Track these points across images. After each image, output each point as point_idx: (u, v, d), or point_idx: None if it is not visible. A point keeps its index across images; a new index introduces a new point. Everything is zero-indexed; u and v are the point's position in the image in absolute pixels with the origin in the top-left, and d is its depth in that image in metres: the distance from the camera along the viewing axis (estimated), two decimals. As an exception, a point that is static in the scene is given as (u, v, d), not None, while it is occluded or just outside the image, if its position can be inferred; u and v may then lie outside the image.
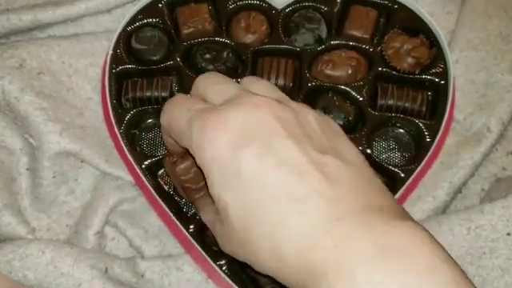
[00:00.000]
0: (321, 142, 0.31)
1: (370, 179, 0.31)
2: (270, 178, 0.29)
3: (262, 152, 0.29)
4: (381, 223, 0.28)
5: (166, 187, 0.43)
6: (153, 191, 0.41)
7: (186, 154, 0.38)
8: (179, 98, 0.36)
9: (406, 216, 0.29)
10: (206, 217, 0.38)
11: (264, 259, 0.30)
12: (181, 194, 0.41)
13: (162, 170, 0.43)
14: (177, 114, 0.34)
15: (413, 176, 0.42)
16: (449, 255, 0.27)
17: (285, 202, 0.28)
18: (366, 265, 0.26)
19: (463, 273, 0.27)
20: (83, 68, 0.46)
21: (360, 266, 0.26)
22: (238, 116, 0.31)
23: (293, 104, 0.33)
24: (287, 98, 0.35)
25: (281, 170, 0.29)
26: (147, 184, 0.41)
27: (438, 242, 0.28)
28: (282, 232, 0.28)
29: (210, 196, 0.34)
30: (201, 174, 0.35)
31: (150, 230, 0.42)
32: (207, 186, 0.32)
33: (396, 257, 0.26)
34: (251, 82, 0.36)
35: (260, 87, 0.35)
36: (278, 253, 0.28)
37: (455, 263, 0.27)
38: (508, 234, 0.40)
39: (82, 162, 0.44)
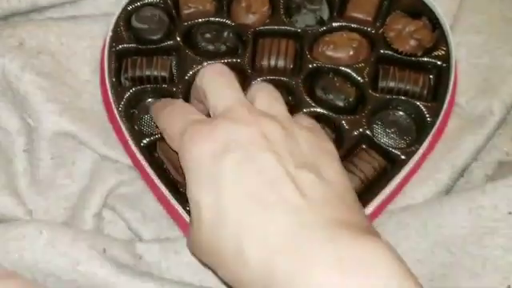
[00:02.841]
0: (303, 159, 0.33)
1: (343, 196, 0.32)
2: (245, 183, 0.31)
3: (242, 160, 0.31)
4: (345, 236, 0.29)
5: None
6: (150, 171, 0.41)
7: None
8: (177, 105, 0.39)
9: (372, 233, 0.31)
10: None
11: (228, 263, 0.31)
12: (177, 178, 0.41)
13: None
14: (171, 121, 0.37)
15: (414, 158, 0.42)
16: (409, 269, 0.28)
17: (255, 208, 0.30)
18: (322, 268, 0.28)
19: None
20: (82, 50, 0.46)
21: (317, 269, 0.28)
22: (225, 129, 0.33)
23: (286, 121, 0.35)
24: (286, 112, 0.37)
25: (256, 178, 0.31)
26: (144, 164, 0.41)
27: (401, 257, 0.29)
28: (247, 235, 0.30)
29: None
30: None
31: (148, 212, 0.42)
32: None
33: (355, 263, 0.27)
34: (257, 90, 0.38)
35: (263, 97, 0.37)
36: (241, 255, 0.30)
37: (415, 277, 0.28)
38: (510, 214, 0.40)
39: (80, 144, 0.43)
